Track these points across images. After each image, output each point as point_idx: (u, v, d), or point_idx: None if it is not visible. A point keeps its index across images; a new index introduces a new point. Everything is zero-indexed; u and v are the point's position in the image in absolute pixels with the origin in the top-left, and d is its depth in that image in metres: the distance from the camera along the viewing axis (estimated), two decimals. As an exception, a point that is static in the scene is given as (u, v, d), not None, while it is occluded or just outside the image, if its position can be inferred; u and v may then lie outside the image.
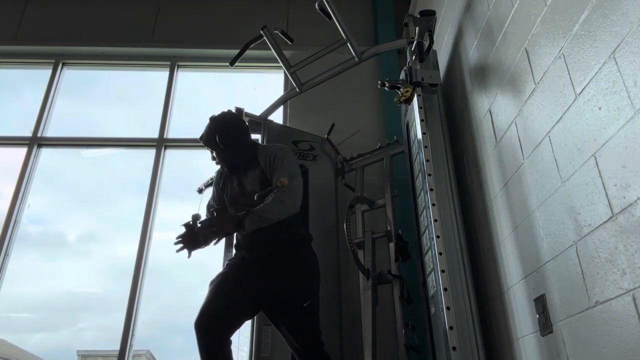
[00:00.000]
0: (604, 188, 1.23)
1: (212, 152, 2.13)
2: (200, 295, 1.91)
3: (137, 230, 3.20)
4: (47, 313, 3.42)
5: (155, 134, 3.57)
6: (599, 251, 1.25)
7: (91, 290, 3.42)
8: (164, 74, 3.82)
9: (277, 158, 2.05)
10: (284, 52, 2.78)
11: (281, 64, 2.80)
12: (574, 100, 1.37)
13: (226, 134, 2.06)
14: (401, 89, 2.29)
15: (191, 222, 1.91)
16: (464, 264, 2.01)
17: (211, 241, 1.88)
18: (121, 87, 4.12)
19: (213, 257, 2.57)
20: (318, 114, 3.42)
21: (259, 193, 1.93)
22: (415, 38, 2.36)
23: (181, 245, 1.89)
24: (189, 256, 1.91)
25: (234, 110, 2.80)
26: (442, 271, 1.88)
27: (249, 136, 2.18)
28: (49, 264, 3.51)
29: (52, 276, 3.42)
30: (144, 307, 3.08)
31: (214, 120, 2.12)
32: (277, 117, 3.28)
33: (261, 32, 2.67)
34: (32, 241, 3.53)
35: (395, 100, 2.32)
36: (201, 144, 2.13)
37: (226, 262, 2.08)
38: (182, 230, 1.90)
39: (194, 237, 1.90)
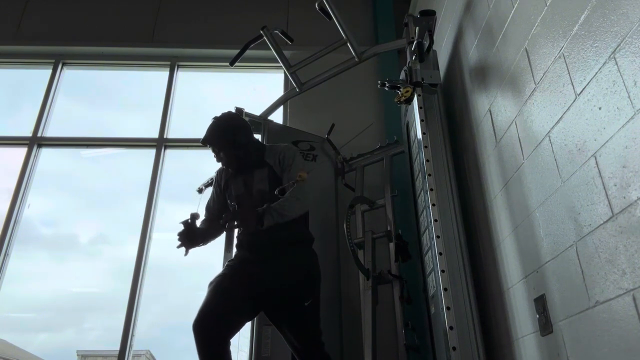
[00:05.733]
0: (604, 188, 1.23)
1: (218, 153, 2.08)
2: (201, 295, 1.91)
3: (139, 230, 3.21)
4: (52, 313, 3.44)
5: (155, 134, 3.57)
6: (599, 251, 1.25)
7: (97, 290, 3.43)
8: (164, 74, 3.82)
9: (287, 156, 2.07)
10: (284, 52, 2.78)
11: (281, 64, 2.80)
12: (574, 100, 1.37)
13: (239, 132, 2.07)
14: (401, 89, 2.29)
15: (189, 220, 1.96)
16: (464, 264, 2.01)
17: (223, 233, 1.85)
18: (121, 87, 4.12)
19: (217, 258, 2.58)
20: (318, 114, 3.42)
21: (279, 188, 1.94)
22: (415, 38, 2.36)
23: (180, 242, 1.95)
24: (186, 254, 1.96)
25: (234, 110, 2.80)
26: (442, 271, 1.88)
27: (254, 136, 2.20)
28: (57, 265, 3.52)
29: (59, 277, 3.43)
30: (149, 307, 3.09)
31: (222, 120, 2.10)
32: (277, 117, 3.29)
33: (261, 32, 2.67)
34: (41, 243, 3.56)
35: (395, 100, 2.32)
36: (201, 144, 2.09)
37: (225, 264, 2.07)
38: (181, 227, 1.96)
39: (191, 235, 1.96)
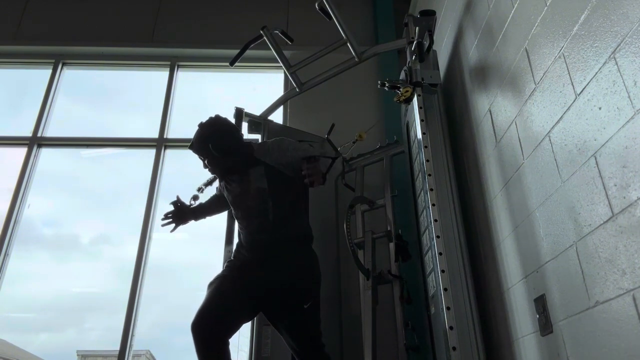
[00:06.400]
0: (604, 188, 1.23)
1: (203, 160, 2.11)
2: (201, 295, 1.91)
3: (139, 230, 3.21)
4: (53, 313, 3.44)
5: (155, 134, 3.57)
6: (599, 251, 1.25)
7: (98, 290, 3.44)
8: (164, 74, 3.82)
9: (278, 144, 2.10)
10: (284, 52, 2.78)
11: (281, 64, 2.80)
12: (574, 100, 1.37)
13: (220, 140, 2.05)
14: (401, 89, 2.29)
15: (178, 203, 2.20)
16: (464, 264, 2.01)
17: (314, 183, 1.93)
18: (121, 87, 4.12)
19: (217, 259, 2.58)
20: (318, 114, 3.42)
21: (344, 146, 2.08)
22: (415, 38, 2.36)
23: (169, 220, 2.18)
24: (173, 230, 2.20)
25: (233, 111, 2.80)
26: (442, 271, 1.88)
27: (242, 137, 2.18)
28: (58, 265, 3.52)
29: (60, 277, 3.43)
30: (149, 307, 3.09)
31: (204, 127, 2.09)
32: (277, 117, 3.29)
33: (261, 32, 2.67)
34: (42, 243, 3.56)
35: (395, 100, 2.32)
36: (189, 149, 2.13)
37: (225, 264, 2.08)
38: (171, 208, 2.19)
39: (180, 213, 2.20)
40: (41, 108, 3.62)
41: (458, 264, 1.99)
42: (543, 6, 1.55)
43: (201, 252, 3.31)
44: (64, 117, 3.72)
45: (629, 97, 1.13)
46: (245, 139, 2.22)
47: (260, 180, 2.03)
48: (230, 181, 2.13)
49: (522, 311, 1.75)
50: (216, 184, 2.42)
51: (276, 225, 1.97)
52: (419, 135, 2.18)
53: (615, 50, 1.18)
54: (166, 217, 2.18)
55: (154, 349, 3.43)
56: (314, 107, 3.46)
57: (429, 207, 2.02)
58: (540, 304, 1.58)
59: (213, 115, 2.15)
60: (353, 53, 2.68)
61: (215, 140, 2.04)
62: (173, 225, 2.19)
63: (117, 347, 2.88)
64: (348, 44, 2.62)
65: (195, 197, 2.24)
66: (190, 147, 2.10)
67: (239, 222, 2.10)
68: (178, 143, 3.59)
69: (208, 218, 2.38)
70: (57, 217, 3.73)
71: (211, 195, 2.37)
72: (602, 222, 1.24)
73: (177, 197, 2.21)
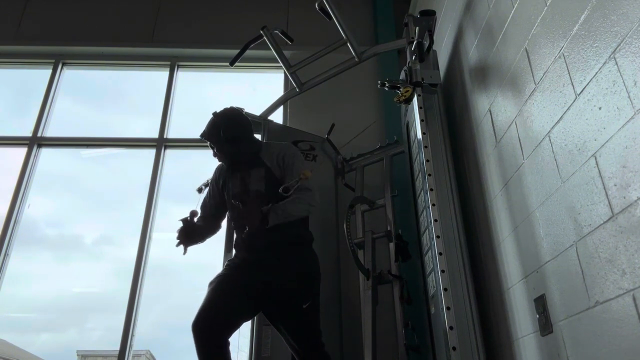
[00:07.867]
0: (604, 188, 1.23)
1: (213, 148, 2.11)
2: (201, 295, 1.91)
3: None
4: (55, 314, 3.44)
5: (155, 134, 3.57)
6: (599, 251, 1.25)
7: (99, 291, 3.44)
8: (164, 74, 3.82)
9: (287, 156, 2.06)
10: (284, 52, 2.78)
11: (281, 64, 2.80)
12: (574, 100, 1.37)
13: (230, 127, 2.06)
14: (401, 89, 2.29)
15: (189, 218, 1.96)
16: (464, 264, 2.01)
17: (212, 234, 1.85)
18: (121, 87, 4.12)
19: (218, 259, 2.58)
20: (318, 114, 3.42)
21: (283, 186, 1.93)
22: (415, 38, 2.36)
23: (178, 240, 1.95)
24: (185, 252, 1.96)
25: (234, 110, 2.80)
26: (442, 271, 1.88)
27: (252, 132, 2.17)
28: (61, 266, 3.53)
29: (63, 277, 3.44)
30: (151, 307, 3.09)
31: (218, 115, 2.11)
32: (277, 117, 3.28)
33: (261, 32, 2.67)
34: (45, 243, 3.57)
35: (395, 100, 2.32)
36: (202, 142, 2.12)
37: (226, 263, 2.07)
38: (180, 225, 1.95)
39: (190, 232, 1.96)
40: (41, 108, 3.62)
41: (458, 264, 1.99)
42: (543, 6, 1.55)
43: (200, 252, 3.30)
44: (64, 117, 3.73)
45: (629, 97, 1.13)
46: (256, 138, 2.22)
47: (259, 182, 2.03)
48: (232, 180, 2.12)
49: (522, 311, 1.75)
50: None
51: (269, 231, 1.90)
52: (419, 135, 2.18)
53: (615, 50, 1.18)
54: (178, 237, 2.00)
55: (154, 349, 3.44)
56: (314, 107, 3.46)
57: (429, 207, 2.02)
58: (540, 304, 1.58)
59: (228, 106, 2.17)
60: (353, 53, 2.68)
61: (226, 126, 2.05)
62: (182, 247, 1.99)
63: (117, 347, 2.88)
64: (348, 44, 2.62)
65: (193, 214, 1.97)
66: (202, 135, 2.10)
67: (234, 223, 2.09)
68: (178, 143, 3.59)
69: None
70: (60, 218, 3.74)
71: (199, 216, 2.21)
72: (602, 222, 1.24)
73: (191, 212, 1.98)
